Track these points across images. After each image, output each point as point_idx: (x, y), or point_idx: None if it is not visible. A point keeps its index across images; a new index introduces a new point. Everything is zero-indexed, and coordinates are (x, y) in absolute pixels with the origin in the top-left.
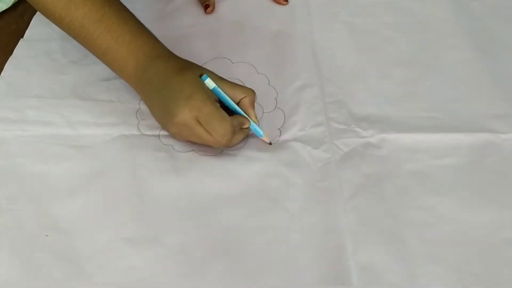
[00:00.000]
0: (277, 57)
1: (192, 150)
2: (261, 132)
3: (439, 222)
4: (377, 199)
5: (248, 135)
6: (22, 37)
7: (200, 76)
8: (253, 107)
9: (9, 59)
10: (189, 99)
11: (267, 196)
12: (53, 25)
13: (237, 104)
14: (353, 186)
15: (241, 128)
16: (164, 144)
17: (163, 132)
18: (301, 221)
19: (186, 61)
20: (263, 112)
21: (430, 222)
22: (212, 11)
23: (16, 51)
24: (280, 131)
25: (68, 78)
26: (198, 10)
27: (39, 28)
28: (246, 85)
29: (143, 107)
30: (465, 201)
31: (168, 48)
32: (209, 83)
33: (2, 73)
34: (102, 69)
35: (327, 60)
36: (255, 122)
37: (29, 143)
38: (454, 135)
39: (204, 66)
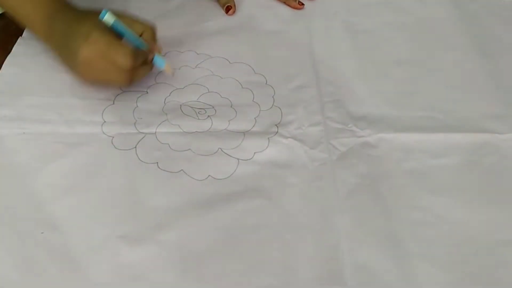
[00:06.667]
0: (275, 57)
1: (189, 149)
2: (163, 62)
3: (435, 222)
4: (373, 199)
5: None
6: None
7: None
8: (154, 40)
9: (8, 57)
10: (88, 36)
11: (263, 196)
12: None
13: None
14: (349, 185)
15: (144, 65)
16: (161, 143)
17: (160, 130)
18: (296, 220)
19: (92, 10)
20: (260, 110)
21: (425, 222)
22: (234, 12)
23: (15, 49)
24: (277, 127)
25: (66, 77)
26: (197, 9)
27: None
28: (244, 86)
29: (141, 105)
30: (461, 201)
31: (165, 46)
32: (108, 19)
33: (0, 71)
34: None
35: (325, 60)
36: (158, 54)
37: (26, 141)
38: (451, 135)
39: (201, 65)
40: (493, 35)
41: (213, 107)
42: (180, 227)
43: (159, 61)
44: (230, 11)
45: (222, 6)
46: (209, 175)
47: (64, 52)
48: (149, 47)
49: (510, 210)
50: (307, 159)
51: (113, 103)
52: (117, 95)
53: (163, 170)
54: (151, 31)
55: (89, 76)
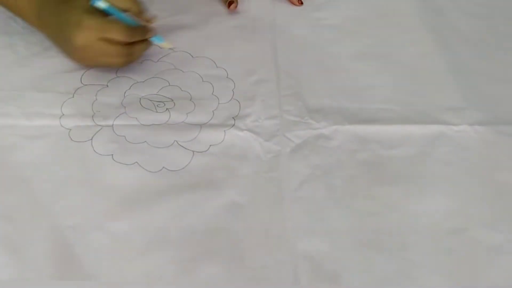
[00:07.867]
0: (237, 51)
1: (145, 142)
2: (162, 39)
3: (384, 211)
4: (325, 189)
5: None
6: None
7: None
8: (142, 15)
9: None
10: (79, 24)
11: (215, 186)
12: (17, 18)
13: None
14: (301, 176)
15: (141, 43)
16: (117, 135)
17: (117, 122)
18: (245, 211)
19: None
20: (219, 103)
21: (374, 211)
22: (235, 8)
23: None
24: (234, 120)
25: (28, 71)
26: (161, 5)
27: (2, 21)
28: (204, 80)
29: (100, 98)
30: (412, 191)
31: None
32: (100, 4)
33: None
34: (62, 62)
35: (286, 54)
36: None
37: None
38: (407, 127)
39: (163, 59)
40: (456, 29)
41: (172, 100)
42: (130, 217)
43: (158, 38)
44: (232, 6)
45: (224, 2)
46: (163, 167)
47: (60, 41)
48: (144, 24)
49: (460, 200)
50: (261, 151)
51: (73, 96)
52: (78, 88)
53: (118, 162)
54: (135, 9)
55: (88, 61)
